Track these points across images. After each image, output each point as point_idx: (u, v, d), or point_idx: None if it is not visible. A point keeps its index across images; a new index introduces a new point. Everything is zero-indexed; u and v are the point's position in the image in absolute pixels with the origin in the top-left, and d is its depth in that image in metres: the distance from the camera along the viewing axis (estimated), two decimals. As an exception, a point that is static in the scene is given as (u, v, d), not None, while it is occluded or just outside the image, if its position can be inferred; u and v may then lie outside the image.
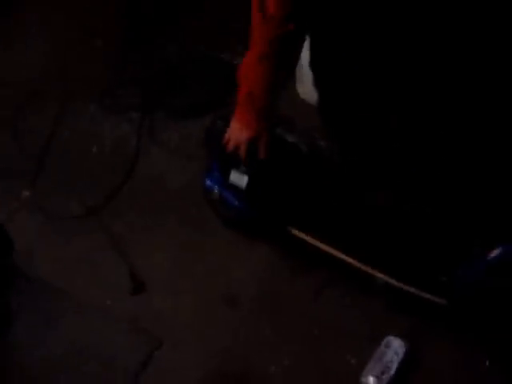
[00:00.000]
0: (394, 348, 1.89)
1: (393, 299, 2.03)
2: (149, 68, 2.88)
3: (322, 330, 2.04)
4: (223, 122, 2.04)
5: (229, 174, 2.08)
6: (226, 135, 1.96)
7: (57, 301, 2.13)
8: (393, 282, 1.94)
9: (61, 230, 2.32)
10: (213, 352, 2.00)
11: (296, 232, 2.05)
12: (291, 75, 1.96)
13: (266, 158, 1.98)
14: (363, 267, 1.97)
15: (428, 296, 1.92)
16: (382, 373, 1.86)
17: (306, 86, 2.58)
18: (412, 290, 1.92)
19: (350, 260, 1.98)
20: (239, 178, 2.07)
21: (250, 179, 2.05)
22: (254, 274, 2.18)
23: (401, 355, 1.89)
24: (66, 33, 3.05)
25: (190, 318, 2.09)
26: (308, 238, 2.02)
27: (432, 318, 2.00)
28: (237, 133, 1.92)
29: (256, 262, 2.21)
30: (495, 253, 1.79)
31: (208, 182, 2.20)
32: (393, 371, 1.86)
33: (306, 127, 2.23)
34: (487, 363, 1.95)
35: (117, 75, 2.86)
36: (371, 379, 1.85)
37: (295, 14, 1.68)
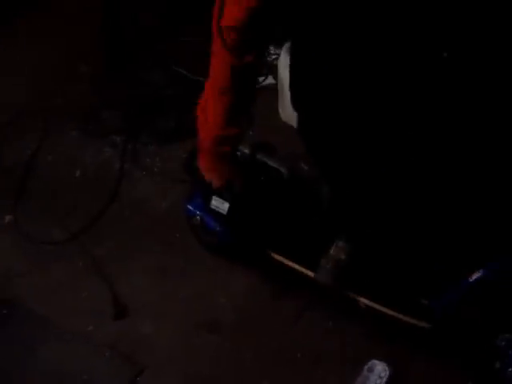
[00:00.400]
0: (378, 372, 1.87)
1: (375, 323, 2.01)
2: (133, 92, 2.87)
3: (305, 353, 2.02)
4: None
5: (210, 200, 2.07)
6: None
7: (38, 327, 2.10)
8: (375, 305, 1.92)
9: (42, 255, 2.30)
10: (194, 378, 1.97)
11: (275, 256, 2.03)
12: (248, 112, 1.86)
13: (245, 187, 1.99)
14: (344, 291, 1.95)
15: (410, 320, 1.89)
16: (367, 398, 1.82)
17: (287, 110, 2.59)
18: (394, 313, 1.90)
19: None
20: (220, 204, 2.06)
21: (231, 205, 2.04)
22: (235, 299, 2.16)
23: (384, 379, 1.87)
24: (52, 58, 3.05)
25: (171, 343, 2.06)
26: (287, 262, 2.01)
27: (415, 341, 1.99)
28: (209, 179, 1.91)
29: (237, 288, 2.19)
30: (476, 275, 1.77)
31: (189, 208, 2.18)
32: (377, 396, 1.83)
33: (287, 152, 2.23)
34: (470, 385, 1.92)
35: (101, 99, 2.86)
36: (355, 405, 1.82)
37: (254, 42, 1.59)
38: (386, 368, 1.88)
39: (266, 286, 2.17)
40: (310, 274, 1.96)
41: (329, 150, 1.81)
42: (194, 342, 2.06)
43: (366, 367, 1.90)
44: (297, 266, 1.99)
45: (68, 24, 3.18)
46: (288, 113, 2.62)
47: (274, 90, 2.78)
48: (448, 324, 1.88)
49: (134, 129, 2.72)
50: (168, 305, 2.15)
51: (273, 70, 2.85)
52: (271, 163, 2.04)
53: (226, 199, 2.04)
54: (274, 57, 2.92)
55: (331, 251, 1.92)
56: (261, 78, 2.86)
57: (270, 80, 2.91)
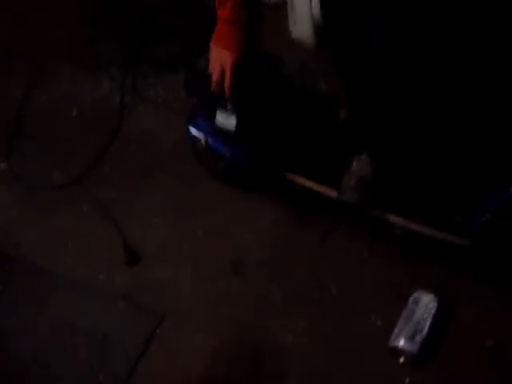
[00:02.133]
0: (424, 304, 1.60)
1: (414, 248, 1.74)
2: (130, 20, 2.52)
3: (340, 289, 1.75)
4: (205, 61, 1.72)
5: (214, 118, 1.78)
6: (210, 65, 1.68)
7: (44, 281, 1.83)
8: (408, 224, 1.63)
9: (43, 203, 2.01)
10: (222, 324, 1.70)
11: (294, 177, 1.73)
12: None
13: (255, 93, 1.72)
14: (372, 210, 1.66)
15: (448, 237, 1.61)
16: (414, 334, 1.56)
17: (300, 25, 2.26)
18: (430, 231, 1.61)
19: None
20: (227, 120, 1.76)
21: (238, 119, 1.74)
22: (258, 233, 1.87)
23: (433, 311, 1.60)
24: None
25: (192, 288, 1.79)
26: (307, 183, 1.72)
27: (460, 265, 1.71)
28: (220, 57, 1.65)
29: (260, 220, 1.91)
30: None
31: (192, 130, 1.89)
32: (426, 330, 1.57)
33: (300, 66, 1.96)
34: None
35: (94, 30, 2.51)
36: (402, 342, 1.55)
37: None
38: (434, 298, 1.60)
39: (289, 215, 1.89)
40: (333, 193, 1.67)
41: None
42: (217, 285, 1.79)
43: (411, 299, 1.63)
44: (318, 187, 1.70)
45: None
46: (301, 28, 2.29)
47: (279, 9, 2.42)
48: (487, 239, 1.63)
49: (134, 59, 2.38)
50: (185, 246, 1.88)
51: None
52: (282, 73, 1.76)
53: (232, 112, 1.74)
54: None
55: (353, 166, 1.63)
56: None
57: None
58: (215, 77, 1.68)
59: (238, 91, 1.68)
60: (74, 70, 2.39)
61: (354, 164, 1.70)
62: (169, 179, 2.03)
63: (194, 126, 1.88)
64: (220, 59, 1.65)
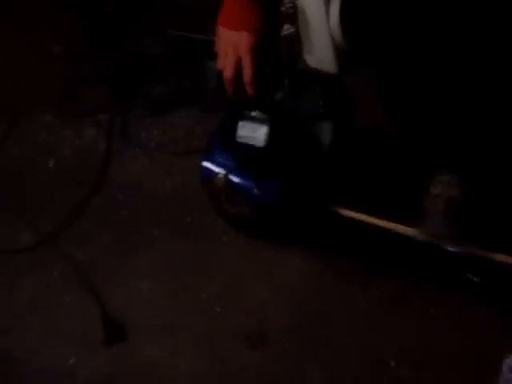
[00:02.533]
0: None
1: (502, 300, 1.24)
2: (120, 63, 2.15)
3: (399, 360, 1.24)
4: None
5: (235, 134, 1.32)
6: (218, 57, 1.27)
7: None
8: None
9: (8, 268, 1.55)
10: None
11: (346, 212, 1.27)
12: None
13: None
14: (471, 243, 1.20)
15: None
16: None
17: (318, 52, 1.91)
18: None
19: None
20: (253, 132, 1.29)
21: (271, 126, 1.27)
22: (283, 293, 1.39)
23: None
24: (19, 41, 2.32)
25: (194, 372, 1.29)
26: (369, 219, 1.25)
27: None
28: (233, 41, 1.22)
29: (285, 276, 1.44)
30: None
31: (207, 166, 1.41)
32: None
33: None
34: None
35: (80, 77, 2.13)
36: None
37: None
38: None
39: (323, 266, 1.40)
40: (408, 229, 1.19)
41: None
42: (229, 364, 1.30)
43: (505, 367, 1.12)
44: (385, 223, 1.22)
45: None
46: (320, 57, 1.94)
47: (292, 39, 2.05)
48: None
49: (123, 101, 1.98)
50: (184, 315, 1.40)
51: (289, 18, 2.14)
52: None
53: (260, 121, 1.28)
54: (288, 5, 2.22)
55: (433, 189, 1.16)
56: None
57: (288, 30, 2.18)
58: (229, 70, 1.25)
59: (266, 86, 1.26)
60: (54, 118, 1.99)
61: (434, 186, 1.25)
62: (162, 234, 1.58)
63: (209, 161, 1.42)
64: (233, 44, 1.24)
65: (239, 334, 1.34)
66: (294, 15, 2.12)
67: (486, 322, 1.26)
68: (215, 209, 1.49)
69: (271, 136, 1.28)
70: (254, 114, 1.29)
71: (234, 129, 1.31)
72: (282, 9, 2.26)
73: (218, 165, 1.39)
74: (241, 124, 1.30)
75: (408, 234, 1.25)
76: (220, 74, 1.30)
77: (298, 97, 1.32)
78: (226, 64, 1.25)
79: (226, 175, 1.37)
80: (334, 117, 1.34)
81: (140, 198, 1.69)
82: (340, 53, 1.86)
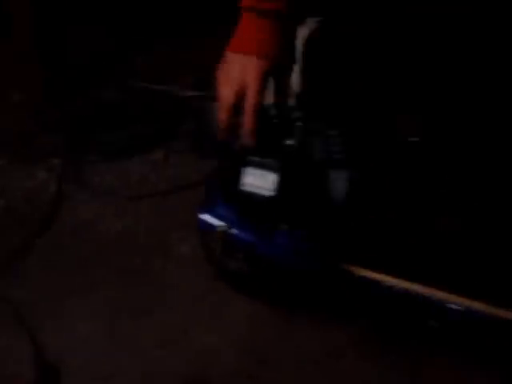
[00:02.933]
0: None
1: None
2: (79, 112, 2.11)
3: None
4: None
5: (239, 182, 1.17)
6: (221, 87, 1.10)
7: None
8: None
9: None
10: None
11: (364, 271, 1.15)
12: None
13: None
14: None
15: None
16: None
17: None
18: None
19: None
20: (259, 180, 1.14)
21: (281, 174, 1.13)
22: (229, 339, 1.30)
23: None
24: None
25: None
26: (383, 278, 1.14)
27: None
28: (242, 67, 1.04)
29: (232, 321, 1.34)
30: None
31: (205, 218, 1.26)
32: None
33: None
34: None
35: (38, 124, 2.07)
36: None
37: None
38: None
39: (276, 313, 1.32)
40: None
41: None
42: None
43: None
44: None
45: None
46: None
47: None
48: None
49: (78, 147, 1.93)
50: (124, 360, 1.29)
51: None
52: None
53: (268, 168, 1.13)
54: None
55: None
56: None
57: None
58: (228, 99, 1.06)
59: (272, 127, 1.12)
60: (6, 163, 1.92)
61: None
62: (108, 276, 1.49)
63: (208, 212, 1.25)
64: (239, 70, 1.05)
65: (179, 378, 1.23)
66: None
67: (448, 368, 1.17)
68: (208, 261, 1.35)
69: (281, 184, 1.13)
70: (260, 160, 1.14)
71: (238, 177, 1.16)
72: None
73: (218, 217, 1.23)
74: (246, 171, 1.15)
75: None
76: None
77: (312, 141, 1.17)
78: (225, 93, 1.08)
79: (227, 229, 1.22)
80: (352, 164, 1.19)
81: (88, 241, 1.60)
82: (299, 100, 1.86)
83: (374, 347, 1.23)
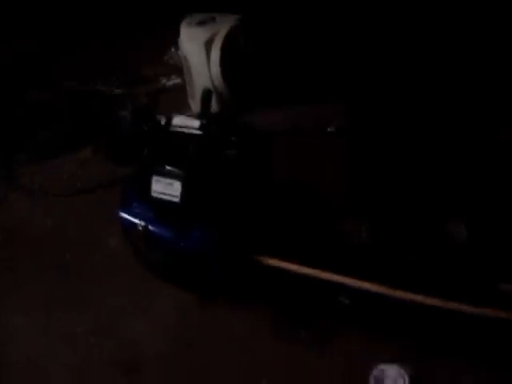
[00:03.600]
0: (392, 378, 1.11)
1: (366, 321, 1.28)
2: (6, 111, 2.13)
3: (271, 381, 1.24)
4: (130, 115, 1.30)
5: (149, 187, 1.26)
6: None
7: None
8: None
9: None
10: None
11: (271, 261, 1.26)
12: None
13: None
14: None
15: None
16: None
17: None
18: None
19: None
20: (167, 188, 1.24)
21: (185, 181, 1.23)
22: (159, 326, 1.37)
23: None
24: None
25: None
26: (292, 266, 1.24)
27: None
28: None
29: (161, 309, 1.42)
30: None
31: (125, 216, 1.34)
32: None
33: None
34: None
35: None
36: None
37: None
38: (403, 372, 1.12)
39: (201, 299, 1.40)
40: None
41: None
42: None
43: (372, 377, 1.14)
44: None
45: None
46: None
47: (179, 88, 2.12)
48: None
49: (8, 148, 1.95)
50: (59, 350, 1.36)
51: (177, 71, 2.22)
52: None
53: (174, 176, 1.24)
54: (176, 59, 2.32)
55: None
56: (165, 80, 2.22)
57: (174, 81, 2.25)
58: None
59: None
60: None
61: None
62: (40, 271, 1.54)
63: (127, 212, 1.33)
64: None
65: (114, 363, 1.31)
66: (180, 67, 2.20)
67: (355, 340, 1.28)
68: (135, 255, 1.41)
69: (186, 190, 1.23)
70: (166, 168, 1.24)
71: (148, 181, 1.25)
72: (171, 62, 2.36)
73: (136, 216, 1.31)
74: (155, 179, 1.24)
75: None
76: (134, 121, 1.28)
77: (212, 148, 1.27)
78: None
79: (145, 226, 1.30)
80: (250, 166, 1.31)
81: (20, 238, 1.65)
82: (220, 96, 1.93)
83: (286, 326, 1.33)
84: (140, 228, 1.31)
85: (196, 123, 1.25)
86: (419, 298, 1.17)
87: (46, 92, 2.21)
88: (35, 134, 2.00)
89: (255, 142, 1.34)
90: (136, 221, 1.32)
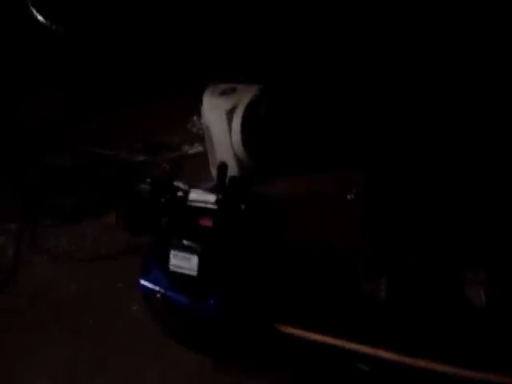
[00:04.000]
0: None
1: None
2: (33, 177, 2.20)
3: None
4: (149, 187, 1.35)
5: (168, 260, 1.31)
6: None
7: None
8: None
9: None
10: None
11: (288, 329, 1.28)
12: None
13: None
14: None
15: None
16: None
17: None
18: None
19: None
20: (184, 261, 1.29)
21: (201, 256, 1.27)
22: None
23: None
24: None
25: None
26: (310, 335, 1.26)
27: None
28: None
29: (176, 377, 1.42)
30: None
31: (144, 284, 1.38)
32: None
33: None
34: None
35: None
36: None
37: None
38: None
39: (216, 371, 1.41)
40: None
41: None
42: None
43: None
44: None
45: None
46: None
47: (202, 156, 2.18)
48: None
49: (34, 212, 2.01)
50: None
51: (199, 139, 2.29)
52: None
53: (191, 250, 1.28)
54: (198, 126, 2.39)
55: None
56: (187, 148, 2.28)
57: (196, 149, 2.31)
58: None
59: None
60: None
61: None
62: (63, 335, 1.57)
63: (147, 279, 1.37)
64: None
65: None
66: (203, 135, 2.26)
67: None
68: (155, 321, 1.43)
69: (203, 265, 1.27)
70: (183, 242, 1.28)
71: (166, 252, 1.30)
72: (193, 130, 2.43)
73: (155, 283, 1.35)
74: (173, 253, 1.29)
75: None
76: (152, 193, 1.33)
77: (228, 221, 1.31)
78: None
79: (163, 293, 1.34)
80: (263, 235, 1.34)
81: (44, 301, 1.68)
82: (241, 164, 1.98)
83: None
84: (158, 295, 1.35)
85: (212, 198, 1.29)
86: (438, 366, 1.18)
87: (68, 157, 2.28)
88: (58, 200, 2.05)
89: (268, 212, 1.37)
90: (155, 288, 1.35)
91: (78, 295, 1.68)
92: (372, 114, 2.00)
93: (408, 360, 1.18)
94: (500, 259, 1.44)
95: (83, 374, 1.46)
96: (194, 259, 1.27)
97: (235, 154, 1.94)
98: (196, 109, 2.13)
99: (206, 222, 1.29)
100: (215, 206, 1.29)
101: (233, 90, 2.01)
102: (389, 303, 1.32)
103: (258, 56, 2.15)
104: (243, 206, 1.31)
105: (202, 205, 1.30)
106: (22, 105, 2.45)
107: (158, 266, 1.35)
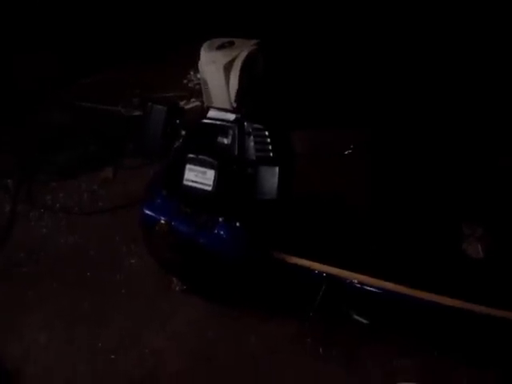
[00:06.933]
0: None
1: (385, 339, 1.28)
2: (30, 134, 2.16)
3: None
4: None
5: (182, 179, 1.28)
6: None
7: None
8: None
9: None
10: None
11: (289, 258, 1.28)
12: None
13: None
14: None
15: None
16: None
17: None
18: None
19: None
20: (201, 175, 1.26)
21: (219, 171, 1.25)
22: (175, 342, 1.38)
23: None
24: None
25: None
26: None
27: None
28: None
29: (176, 325, 1.42)
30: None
31: (148, 213, 1.34)
32: None
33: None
34: None
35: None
36: None
37: None
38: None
39: (214, 316, 1.41)
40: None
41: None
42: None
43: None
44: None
45: None
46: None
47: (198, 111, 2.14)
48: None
49: (30, 168, 1.98)
50: (81, 364, 1.37)
51: (196, 93, 2.26)
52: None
53: (208, 164, 1.26)
54: (195, 82, 2.36)
55: None
56: (184, 103, 2.25)
57: (193, 103, 2.28)
58: None
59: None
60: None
61: None
62: (61, 288, 1.56)
63: (151, 208, 1.34)
64: None
65: (134, 379, 1.31)
66: (199, 90, 2.23)
67: (373, 358, 1.28)
68: (152, 254, 1.41)
69: (219, 180, 1.25)
70: (201, 157, 1.27)
71: (180, 173, 1.27)
72: (190, 85, 2.39)
73: (161, 212, 1.32)
74: (188, 167, 1.26)
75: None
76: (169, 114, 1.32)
77: (246, 141, 1.30)
78: None
79: (168, 222, 1.30)
80: (282, 162, 1.32)
81: (42, 256, 1.66)
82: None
83: (307, 343, 1.33)
84: (163, 223, 1.31)
85: (231, 117, 1.30)
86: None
87: (66, 113, 2.24)
88: (55, 155, 2.03)
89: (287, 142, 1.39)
90: (159, 217, 1.32)
91: (75, 249, 1.67)
92: (374, 71, 1.97)
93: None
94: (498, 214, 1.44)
95: (82, 326, 1.45)
96: (211, 173, 1.26)
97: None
98: (192, 64, 2.10)
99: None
100: (233, 125, 1.29)
101: (230, 44, 1.96)
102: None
103: (256, 9, 2.10)
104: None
105: (219, 123, 1.31)
106: (19, 60, 2.40)
107: (166, 192, 1.33)
